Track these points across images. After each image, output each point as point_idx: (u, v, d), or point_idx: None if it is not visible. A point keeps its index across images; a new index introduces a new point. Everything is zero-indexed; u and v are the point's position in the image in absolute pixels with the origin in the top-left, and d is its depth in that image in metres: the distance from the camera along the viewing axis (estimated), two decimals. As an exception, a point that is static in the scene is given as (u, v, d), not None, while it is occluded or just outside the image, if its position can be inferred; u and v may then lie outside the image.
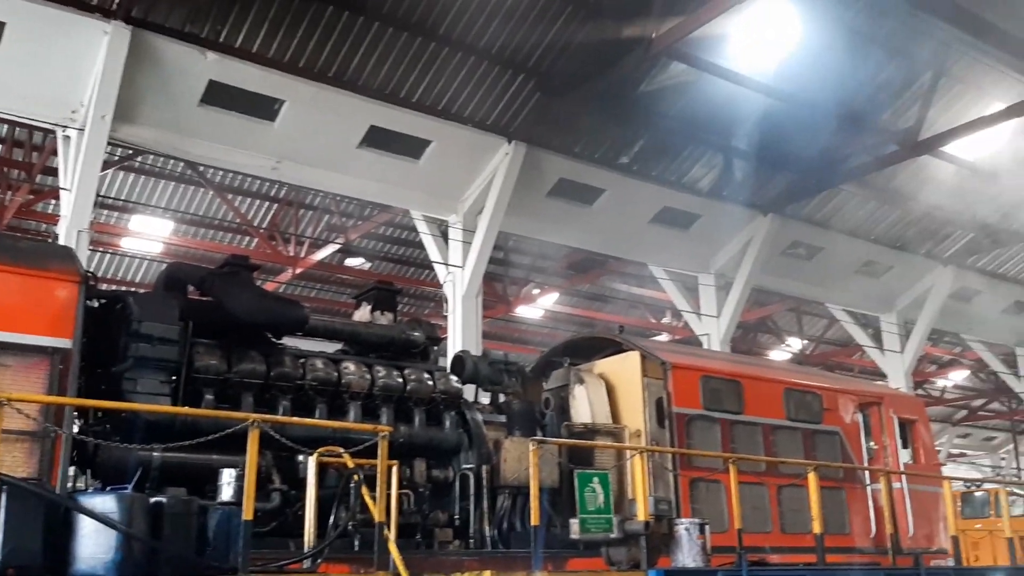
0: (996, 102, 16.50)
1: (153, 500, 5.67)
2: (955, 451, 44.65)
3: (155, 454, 6.93)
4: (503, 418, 9.28)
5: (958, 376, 34.48)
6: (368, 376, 8.33)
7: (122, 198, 17.28)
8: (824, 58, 14.75)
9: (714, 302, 17.79)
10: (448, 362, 9.86)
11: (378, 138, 13.46)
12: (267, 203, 18.69)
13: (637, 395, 9.44)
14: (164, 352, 7.15)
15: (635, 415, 9.41)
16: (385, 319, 9.16)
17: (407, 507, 7.96)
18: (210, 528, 5.79)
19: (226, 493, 6.35)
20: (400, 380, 8.51)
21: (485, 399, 9.70)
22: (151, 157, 15.94)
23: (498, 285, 22.05)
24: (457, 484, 8.66)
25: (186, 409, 7.00)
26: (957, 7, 13.71)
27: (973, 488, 21.73)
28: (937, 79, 15.71)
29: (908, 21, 14.89)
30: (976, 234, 20.22)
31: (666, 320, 25.63)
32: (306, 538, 6.52)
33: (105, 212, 17.62)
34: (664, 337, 24.82)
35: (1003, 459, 45.31)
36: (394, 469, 6.73)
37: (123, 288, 14.28)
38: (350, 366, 8.32)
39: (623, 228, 16.65)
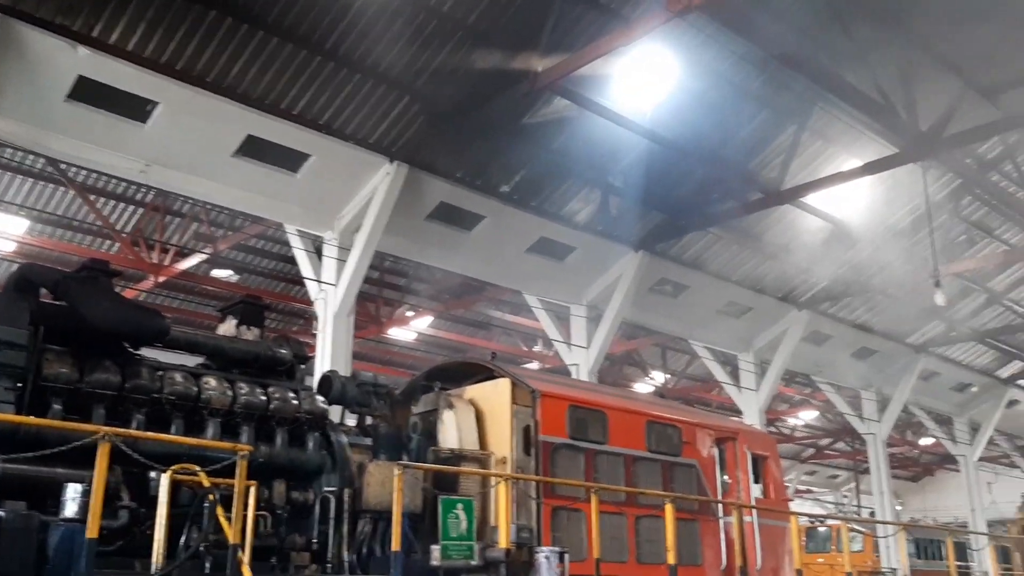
0: (853, 159, 17.63)
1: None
2: (802, 487, 46.88)
3: (-8, 465, 6.47)
4: (369, 441, 9.13)
5: (807, 416, 36.32)
6: (230, 392, 8.04)
7: (-28, 191, 16.23)
8: (698, 105, 15.43)
9: (584, 333, 18.14)
10: (315, 382, 9.66)
11: (255, 148, 13.13)
12: (132, 207, 17.94)
13: (505, 422, 9.48)
14: (10, 357, 6.70)
15: (502, 442, 9.45)
16: (251, 334, 8.89)
17: (263, 529, 7.70)
18: (51, 545, 5.45)
19: (70, 509, 5.99)
20: (263, 398, 8.26)
21: (352, 421, 9.53)
22: (8, 151, 15.07)
23: (371, 305, 21.83)
24: (318, 507, 8.45)
25: (31, 419, 6.57)
26: (820, 67, 14.60)
27: (817, 524, 22.87)
28: (800, 133, 16.65)
29: (776, 76, 15.77)
30: (830, 282, 21.40)
31: (537, 348, 25.96)
32: (154, 559, 6.21)
33: (-49, 205, 16.50)
34: (535, 365, 25.12)
35: (845, 496, 47.87)
36: (252, 490, 6.52)
37: (-34, 287, 13.32)
38: (211, 381, 8.02)
39: (500, 256, 16.80)
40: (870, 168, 16.07)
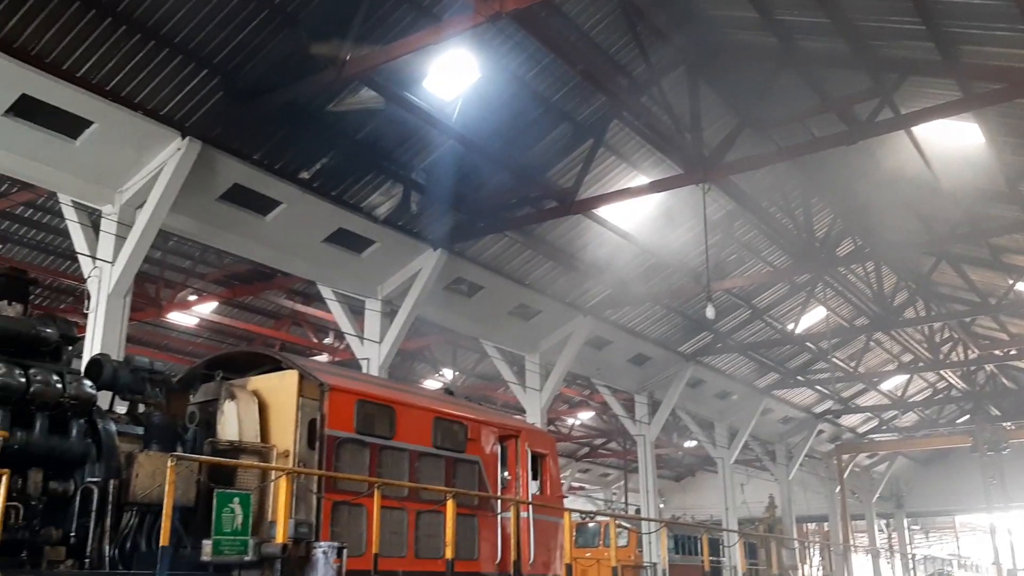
0: (642, 176, 18.66)
1: None
2: (576, 484, 48.91)
3: None
4: (141, 430, 8.65)
5: (585, 416, 37.96)
6: (-16, 373, 7.37)
7: None
8: (503, 111, 15.80)
9: (378, 327, 18.05)
10: (83, 364, 9.02)
11: (30, 109, 12.04)
12: None
13: (291, 415, 9.28)
14: None
15: (286, 435, 9.24)
16: (13, 310, 8.17)
17: (14, 521, 7.12)
18: None
19: None
20: (22, 380, 7.61)
21: (123, 408, 8.99)
22: None
23: (151, 286, 20.62)
24: (78, 499, 7.90)
25: None
26: (618, 86, 15.37)
27: (587, 519, 23.92)
28: (597, 147, 17.41)
29: (577, 90, 16.43)
30: (613, 290, 22.49)
31: (328, 341, 25.52)
32: None
33: None
34: (324, 357, 24.67)
35: (615, 494, 50.44)
36: (3, 478, 6.01)
37: None
38: (-37, 359, 7.32)
39: (296, 243, 16.39)
40: (656, 186, 17.06)
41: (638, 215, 19.95)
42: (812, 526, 52.56)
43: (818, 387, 33.57)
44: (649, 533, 24.21)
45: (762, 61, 16.26)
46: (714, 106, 17.39)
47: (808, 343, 29.34)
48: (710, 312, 16.50)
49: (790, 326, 27.74)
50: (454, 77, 14.84)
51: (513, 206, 17.99)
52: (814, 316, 28.04)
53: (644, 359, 26.50)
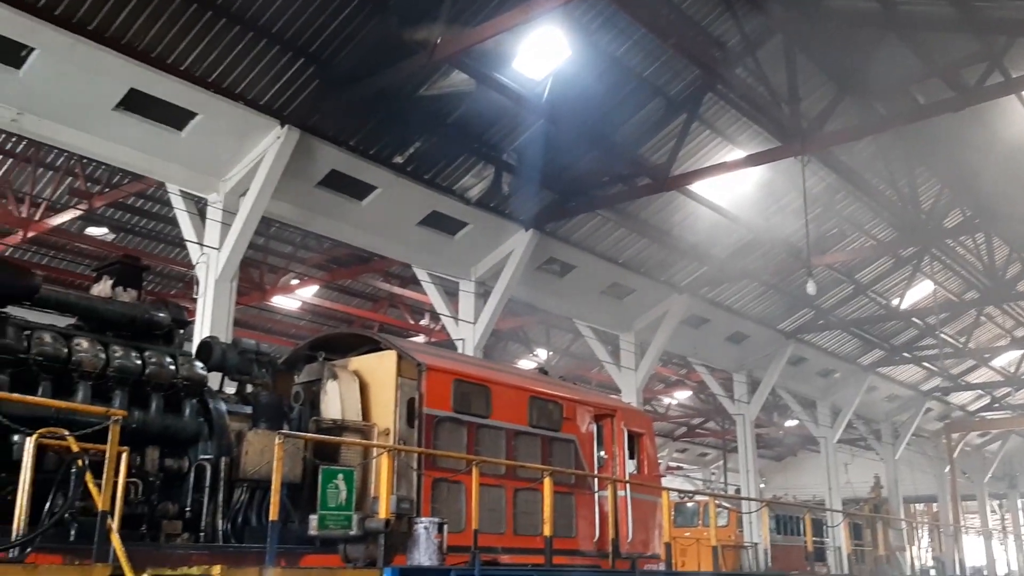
0: (738, 150, 18.26)
1: None
2: (673, 464, 48.49)
3: None
4: (249, 409, 8.98)
5: (681, 396, 37.56)
6: (103, 355, 7.75)
7: None
8: (594, 88, 15.66)
9: (472, 308, 18.23)
10: (194, 347, 9.40)
11: (138, 103, 12.56)
12: (0, 157, 16.90)
13: (390, 394, 9.49)
14: None
15: (386, 414, 9.45)
16: (128, 296, 8.56)
17: (133, 497, 7.50)
18: (-101, 511, 5.15)
19: (-78, 473, 5.68)
20: (139, 362, 8.00)
21: (231, 389, 9.34)
22: None
23: (255, 271, 21.29)
24: (192, 475, 8.27)
25: None
26: (712, 58, 15.05)
27: (686, 499, 23.74)
28: (690, 122, 17.11)
29: (670, 64, 16.16)
30: (709, 268, 22.14)
31: (424, 322, 25.91)
32: (15, 525, 5.95)
33: None
34: (421, 339, 25.08)
35: (713, 474, 49.79)
36: (123, 456, 6.33)
37: None
38: (83, 343, 7.71)
39: (391, 227, 16.67)
40: (753, 160, 16.67)
41: (734, 190, 19.53)
42: (920, 507, 50.87)
43: (926, 364, 32.43)
44: (750, 513, 23.86)
45: (862, 27, 15.66)
46: (812, 75, 16.85)
47: (915, 318, 28.38)
48: (811, 288, 16.09)
49: (895, 301, 26.87)
50: (544, 56, 14.78)
51: (605, 184, 17.87)
52: (921, 290, 27.08)
53: (742, 337, 26.05)
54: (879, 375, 32.40)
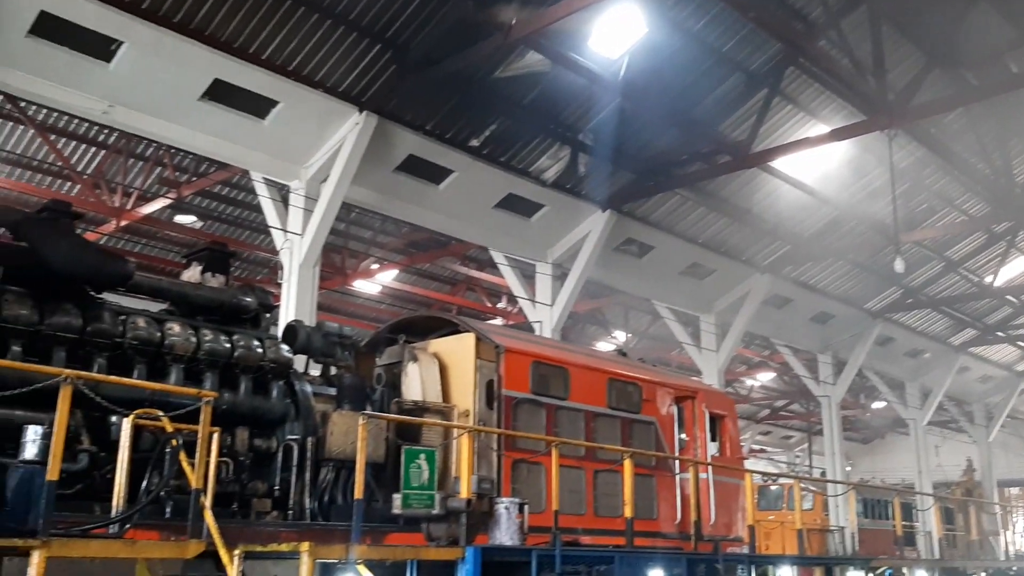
0: (821, 124, 17.76)
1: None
2: (756, 447, 47.81)
3: (-50, 407, 6.41)
4: (333, 391, 9.17)
5: (764, 377, 36.92)
6: (194, 339, 8.01)
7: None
8: (671, 65, 15.41)
9: (549, 291, 18.22)
10: (280, 330, 9.64)
11: (222, 92, 12.89)
12: (94, 148, 17.55)
13: (469, 376, 9.57)
14: (-33, 298, 6.63)
15: (465, 395, 9.54)
16: (216, 281, 8.82)
17: (225, 476, 7.74)
18: (9, 487, 5.43)
19: (29, 451, 5.93)
20: (228, 345, 8.24)
21: (316, 371, 9.55)
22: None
23: (336, 256, 21.69)
24: (280, 455, 8.50)
25: (-9, 360, 6.50)
26: (793, 31, 14.64)
27: (769, 482, 23.36)
28: (771, 97, 16.70)
29: (749, 39, 15.78)
30: (792, 247, 21.65)
31: (501, 305, 26.04)
32: (115, 502, 6.22)
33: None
34: (498, 321, 25.21)
35: (798, 457, 48.92)
36: (215, 436, 6.53)
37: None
38: (175, 327, 7.97)
39: (468, 210, 16.76)
40: (837, 134, 16.20)
41: (818, 166, 19.02)
42: (1015, 490, 49.05)
43: (1021, 343, 31.17)
44: (836, 496, 23.36)
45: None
46: (899, 46, 16.26)
47: (1009, 296, 27.27)
48: (899, 266, 15.61)
49: (988, 278, 25.88)
50: (619, 33, 14.57)
51: (683, 162, 17.59)
52: (1015, 267, 26.02)
53: (827, 317, 25.45)
54: (971, 355, 31.31)
